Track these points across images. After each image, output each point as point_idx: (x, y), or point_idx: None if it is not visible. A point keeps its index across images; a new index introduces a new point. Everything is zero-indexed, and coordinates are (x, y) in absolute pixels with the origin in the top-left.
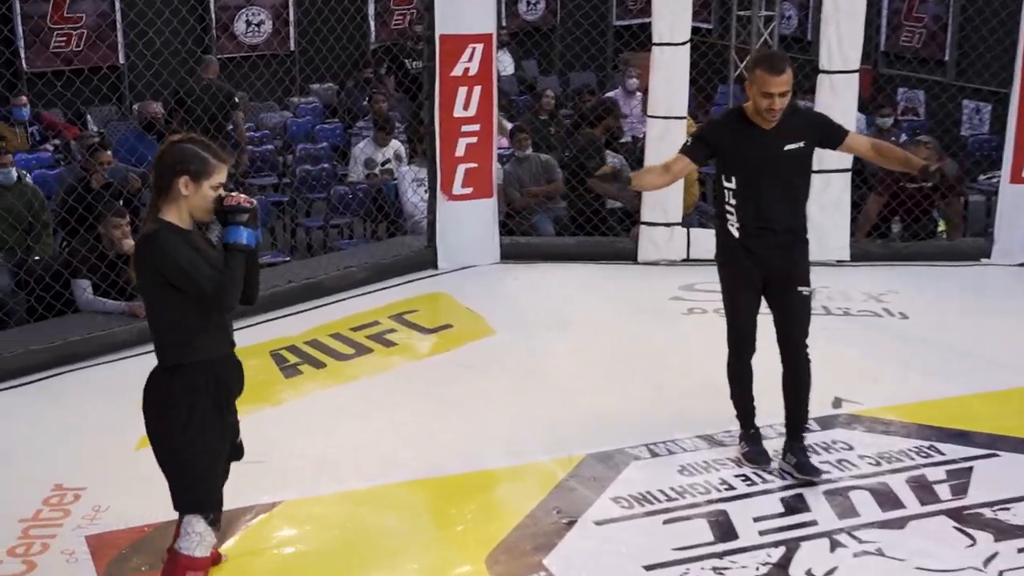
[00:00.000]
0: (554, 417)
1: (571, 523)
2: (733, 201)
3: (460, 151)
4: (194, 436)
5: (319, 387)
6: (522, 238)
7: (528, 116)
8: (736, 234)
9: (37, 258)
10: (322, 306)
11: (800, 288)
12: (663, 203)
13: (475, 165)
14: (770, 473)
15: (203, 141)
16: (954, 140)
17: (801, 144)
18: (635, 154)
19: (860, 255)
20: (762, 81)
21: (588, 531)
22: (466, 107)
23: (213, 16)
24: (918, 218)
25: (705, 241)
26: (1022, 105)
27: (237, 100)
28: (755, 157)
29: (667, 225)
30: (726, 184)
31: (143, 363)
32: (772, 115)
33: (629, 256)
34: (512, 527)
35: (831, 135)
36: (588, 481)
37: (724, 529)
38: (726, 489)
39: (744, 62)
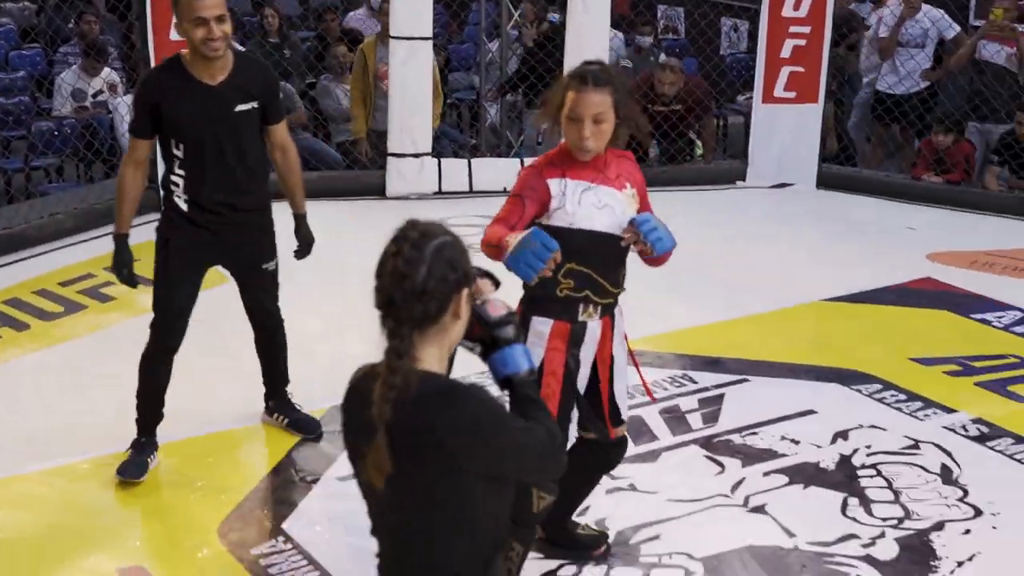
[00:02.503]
0: (295, 370)
1: (313, 481)
2: (181, 171)
3: None
4: None
5: (22, 352)
6: None
7: (256, 39)
8: (184, 208)
9: None
10: (24, 259)
11: (265, 266)
12: (411, 133)
13: None
14: None
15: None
16: (711, 59)
17: (254, 105)
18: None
19: None
20: (189, 5)
21: (332, 489)
22: None
23: None
24: (674, 140)
25: (458, 173)
26: (772, 22)
27: None
28: (201, 118)
29: (416, 156)
30: (174, 151)
31: None
32: (213, 48)
33: (377, 191)
34: (249, 491)
35: (272, 108)
36: (331, 435)
37: None
38: None
39: None
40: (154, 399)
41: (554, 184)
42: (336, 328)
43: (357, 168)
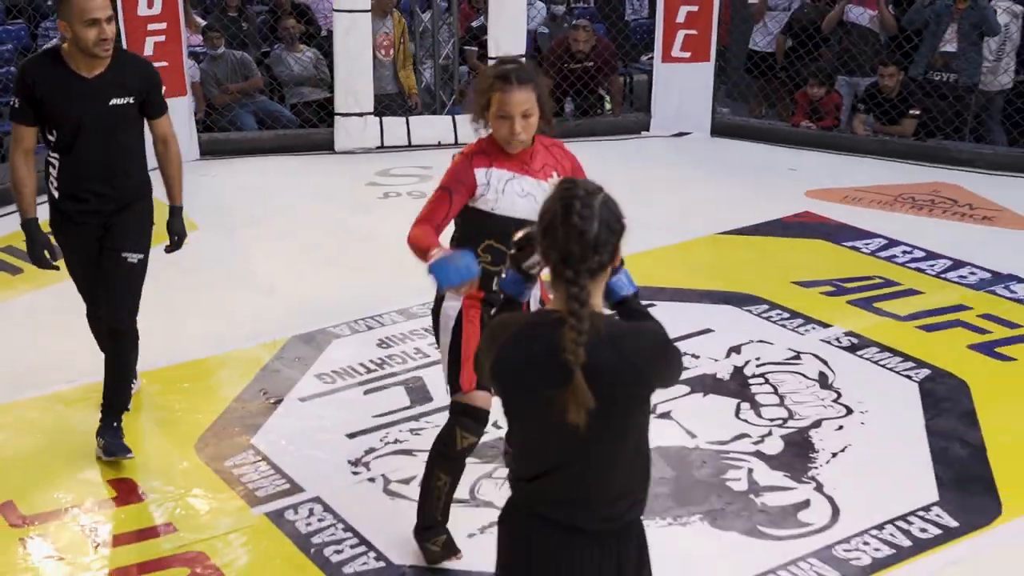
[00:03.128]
0: (257, 306)
1: (277, 402)
2: (55, 155)
3: (149, 50)
4: None
5: (14, 292)
6: (221, 134)
7: (216, 13)
8: (56, 196)
9: None
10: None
11: (126, 255)
12: (355, 94)
13: (165, 64)
14: None
15: None
16: (616, 24)
17: (131, 100)
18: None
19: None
20: (80, 7)
21: (293, 408)
22: (150, 5)
23: None
24: (586, 97)
25: (397, 129)
26: None
27: None
28: (76, 110)
29: (360, 115)
30: (48, 136)
31: None
32: (104, 49)
33: (327, 146)
34: (220, 412)
35: (152, 102)
36: (292, 362)
37: (420, 393)
38: (421, 357)
39: None
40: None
41: (480, 173)
42: (291, 267)
43: (308, 127)
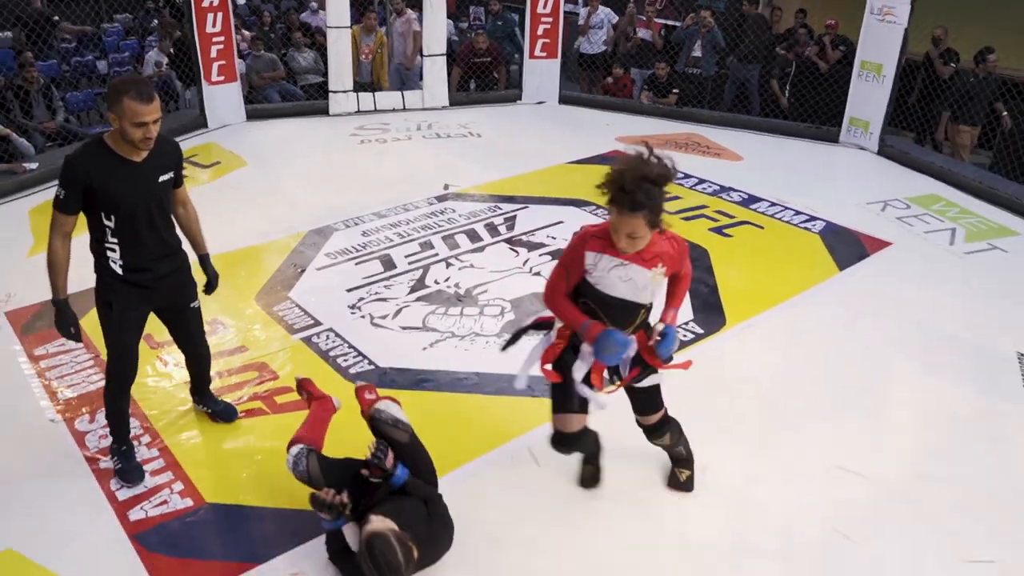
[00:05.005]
0: (286, 211)
1: (302, 271)
2: (114, 239)
3: (213, 54)
4: None
5: None
6: (258, 105)
7: (257, 28)
8: (119, 271)
9: None
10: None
11: (192, 305)
12: (341, 79)
13: (224, 62)
14: (415, 233)
15: None
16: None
17: (171, 174)
18: (322, 50)
19: (455, 102)
20: (133, 111)
21: (313, 275)
22: (214, 25)
23: None
24: (484, 79)
25: (368, 100)
26: (532, 14)
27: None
28: (133, 194)
29: (344, 92)
30: (105, 222)
31: (24, 204)
32: (148, 145)
33: (324, 111)
34: (268, 277)
35: (179, 174)
36: (311, 246)
37: (388, 263)
38: (388, 242)
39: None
40: (123, 419)
41: (590, 256)
42: (306, 186)
43: (312, 100)
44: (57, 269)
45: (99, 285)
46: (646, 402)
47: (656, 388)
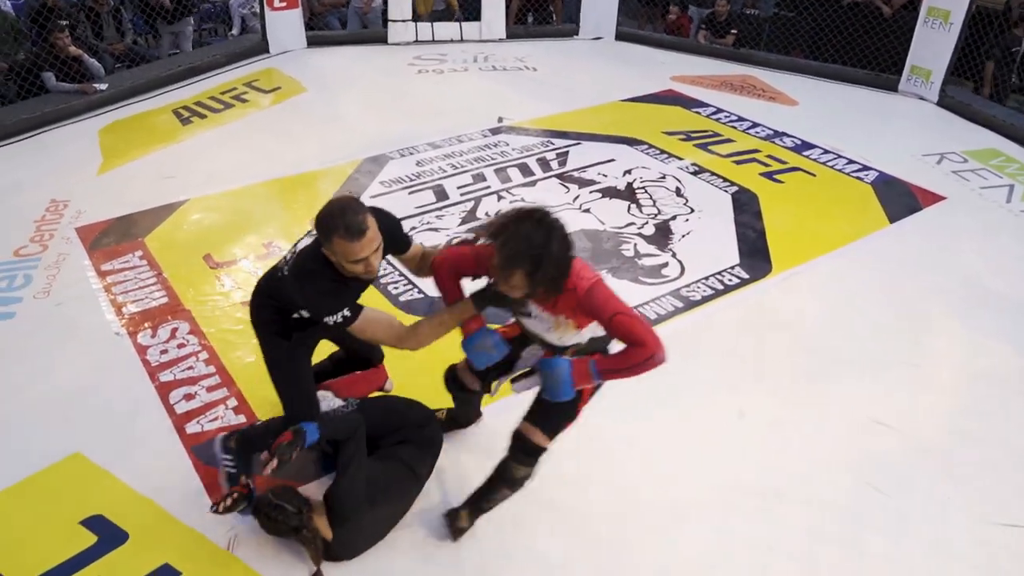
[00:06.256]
0: (345, 138)
1: (358, 197)
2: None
3: None
4: None
5: (204, 129)
6: (320, 32)
7: None
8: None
9: (20, 57)
10: (200, 80)
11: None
12: (401, 9)
13: None
14: (469, 165)
15: None
16: None
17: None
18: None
19: (512, 35)
20: (344, 251)
21: (367, 202)
22: None
23: None
24: (541, 12)
25: (425, 29)
26: None
27: None
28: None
29: (403, 21)
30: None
31: (94, 123)
32: (374, 273)
33: (383, 40)
34: (324, 203)
35: (399, 240)
36: (366, 174)
37: (441, 194)
38: (442, 173)
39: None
40: None
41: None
42: (364, 114)
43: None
44: (441, 322)
45: (282, 335)
46: (540, 413)
47: (559, 408)
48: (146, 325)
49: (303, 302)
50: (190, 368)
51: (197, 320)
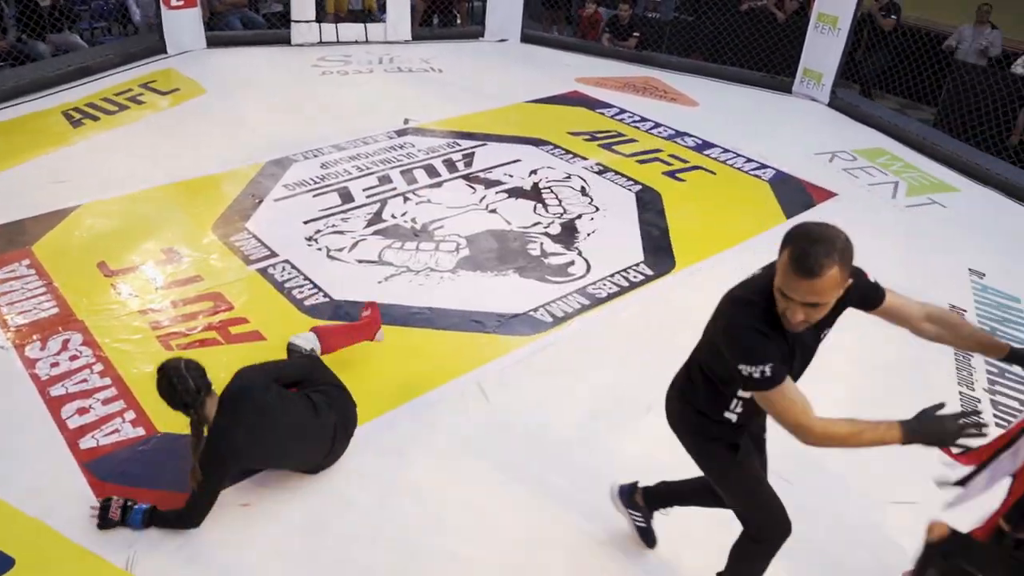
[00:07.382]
0: (246, 140)
1: (260, 202)
2: (743, 396)
3: None
4: None
5: (97, 132)
6: (219, 32)
7: None
8: (734, 420)
9: None
10: (93, 81)
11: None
12: (303, 8)
13: None
14: (374, 167)
15: None
16: None
17: (829, 329)
18: None
19: (417, 36)
20: (784, 279)
21: (270, 205)
22: None
23: None
24: (446, 14)
25: (330, 30)
26: None
27: None
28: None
29: (307, 22)
30: (741, 394)
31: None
32: (791, 327)
33: (286, 41)
34: (225, 207)
35: (870, 298)
36: (269, 176)
37: (347, 196)
38: (347, 175)
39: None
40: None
41: None
42: (267, 116)
43: (274, 28)
44: (859, 433)
45: (712, 429)
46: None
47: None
48: (34, 337)
49: (723, 338)
50: (83, 381)
51: (91, 331)
